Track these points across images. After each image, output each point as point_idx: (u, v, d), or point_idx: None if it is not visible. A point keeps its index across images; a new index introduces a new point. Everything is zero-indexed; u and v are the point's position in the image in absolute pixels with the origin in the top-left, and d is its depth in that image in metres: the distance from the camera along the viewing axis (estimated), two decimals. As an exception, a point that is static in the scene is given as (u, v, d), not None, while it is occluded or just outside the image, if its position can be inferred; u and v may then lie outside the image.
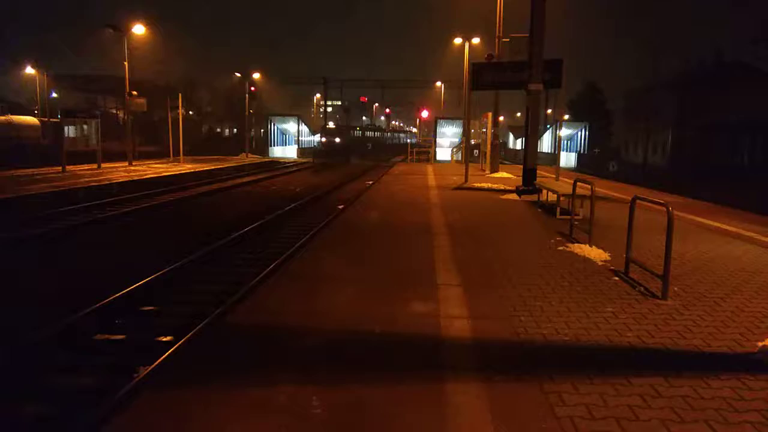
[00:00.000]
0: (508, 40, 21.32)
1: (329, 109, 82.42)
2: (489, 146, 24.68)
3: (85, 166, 23.72)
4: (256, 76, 51.79)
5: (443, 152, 39.11)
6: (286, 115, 58.23)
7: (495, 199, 14.23)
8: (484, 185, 17.57)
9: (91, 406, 4.27)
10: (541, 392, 3.44)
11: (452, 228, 9.48)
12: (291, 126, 55.46)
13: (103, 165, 24.33)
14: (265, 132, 54.27)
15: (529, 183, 14.34)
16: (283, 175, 30.19)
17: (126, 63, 28.10)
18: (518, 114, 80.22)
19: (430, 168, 28.08)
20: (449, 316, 4.78)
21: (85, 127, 24.64)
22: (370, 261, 7.02)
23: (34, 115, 51.97)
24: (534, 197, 13.55)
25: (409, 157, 40.71)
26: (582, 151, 51.44)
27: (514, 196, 14.40)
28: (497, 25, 22.94)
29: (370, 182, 23.01)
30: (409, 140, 76.47)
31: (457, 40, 35.81)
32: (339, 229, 10.00)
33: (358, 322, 4.68)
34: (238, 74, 53.39)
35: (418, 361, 3.94)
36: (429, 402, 3.31)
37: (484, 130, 27.88)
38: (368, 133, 69.58)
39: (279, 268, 8.28)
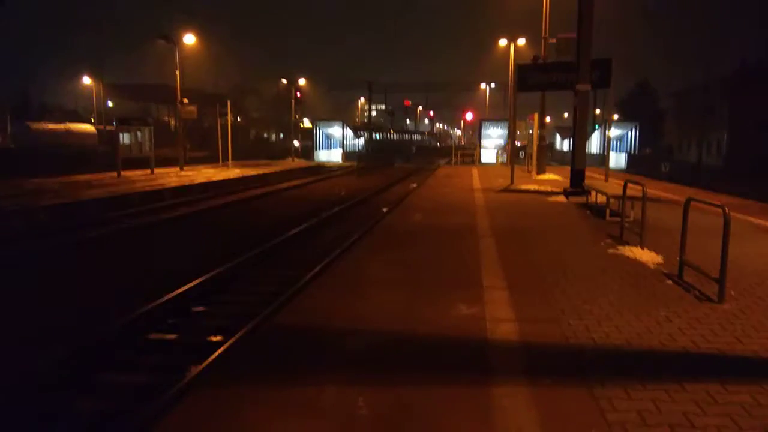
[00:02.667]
0: (554, 40, 21.08)
1: (374, 113, 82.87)
2: (535, 147, 24.29)
3: (139, 172, 24.52)
4: (302, 81, 52.63)
5: (488, 154, 38.74)
6: (330, 119, 58.88)
7: (542, 201, 14.01)
8: (531, 187, 17.32)
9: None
10: (591, 397, 3.37)
11: (498, 230, 9.38)
12: (336, 130, 56.01)
13: (155, 170, 25.11)
14: (311, 136, 55.03)
15: (577, 184, 14.06)
16: (329, 178, 30.50)
17: (177, 72, 28.93)
18: (565, 114, 78.84)
19: (474, 170, 27.86)
20: (495, 319, 4.74)
21: (138, 134, 25.49)
22: (414, 263, 7.01)
23: (90, 123, 54.21)
24: (582, 199, 13.27)
25: (454, 160, 40.49)
26: (632, 152, 50.08)
27: (561, 198, 14.14)
28: (543, 25, 22.63)
29: (415, 185, 23.01)
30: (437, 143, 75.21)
31: (502, 42, 35.51)
32: (384, 231, 10.03)
33: (404, 324, 4.69)
34: (284, 80, 54.33)
35: (464, 363, 3.92)
36: (476, 405, 3.29)
37: (530, 131, 27.49)
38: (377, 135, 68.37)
39: (325, 270, 8.38)
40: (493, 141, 40.48)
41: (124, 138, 24.88)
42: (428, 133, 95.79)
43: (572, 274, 6.29)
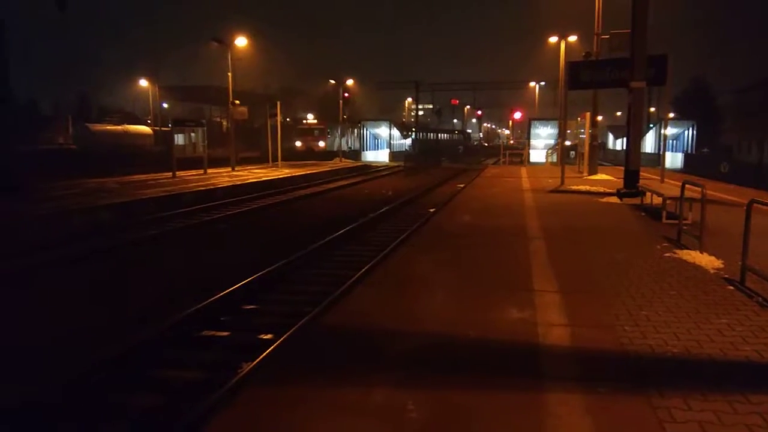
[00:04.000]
0: (607, 36, 20.55)
1: (420, 113, 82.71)
2: (587, 147, 23.76)
3: (192, 172, 25.20)
4: (350, 82, 52.94)
5: (537, 154, 38.15)
6: (377, 119, 59.14)
7: (594, 202, 13.69)
8: (582, 188, 16.94)
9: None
10: (649, 407, 3.27)
11: (548, 232, 9.21)
12: (383, 130, 56.21)
13: (208, 170, 25.75)
14: (358, 136, 55.32)
15: (631, 185, 13.67)
16: (376, 179, 30.61)
17: (230, 74, 29.60)
18: (618, 113, 76.67)
19: (523, 170, 27.45)
20: (547, 323, 4.65)
21: (192, 135, 26.27)
22: (463, 264, 6.96)
23: (147, 125, 56.11)
24: (637, 200, 12.90)
25: (502, 160, 40.01)
26: (689, 151, 48.34)
27: (614, 200, 13.77)
28: (596, 21, 22.09)
29: (462, 185, 22.83)
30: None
31: (553, 39, 34.87)
32: (432, 231, 10.00)
33: (453, 326, 4.66)
34: (332, 81, 54.83)
35: (515, 368, 3.86)
36: (528, 411, 3.24)
37: (582, 130, 26.92)
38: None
39: (372, 270, 8.40)
40: (542, 140, 39.87)
41: (179, 139, 25.63)
42: (458, 131, 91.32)
43: (627, 279, 6.11)
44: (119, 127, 48.47)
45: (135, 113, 66.53)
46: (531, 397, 3.39)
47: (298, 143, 39.45)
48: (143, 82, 62.14)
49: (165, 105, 63.69)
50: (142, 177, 22.63)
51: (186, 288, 8.00)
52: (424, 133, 67.63)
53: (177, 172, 23.26)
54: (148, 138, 50.60)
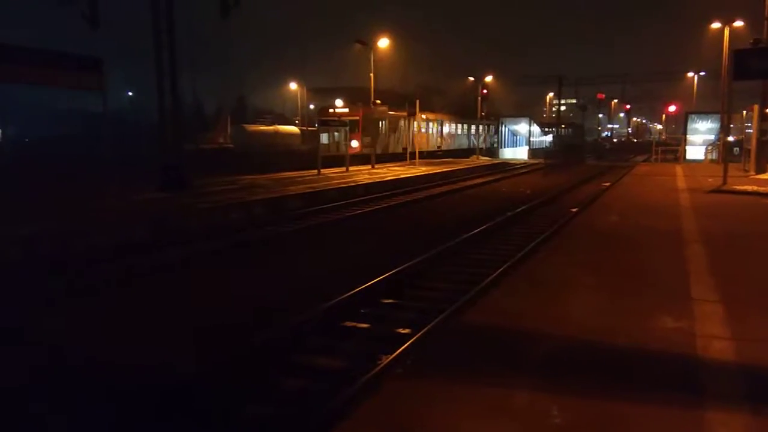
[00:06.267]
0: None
1: (563, 108, 79.39)
2: (754, 143, 21.45)
3: (335, 169, 26.33)
4: (489, 78, 52.29)
5: (695, 151, 35.13)
6: (517, 116, 57.76)
7: (762, 204, 12.34)
8: (748, 188, 15.30)
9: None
10: (832, 436, 2.90)
11: (708, 236, 8.45)
12: (522, 127, 54.82)
13: (349, 168, 26.79)
14: (496, 133, 54.48)
15: (809, 186, 12.13)
16: (513, 176, 29.96)
17: (371, 75, 30.50)
18: (793, 104, 68.12)
19: (678, 168, 25.38)
20: (707, 335, 4.28)
21: (336, 134, 27.41)
22: (609, 268, 6.61)
23: (295, 125, 59.70)
24: (816, 203, 11.43)
25: (653, 157, 37.34)
26: None
27: (787, 202, 12.32)
28: (765, 4, 19.84)
29: (608, 184, 21.64)
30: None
31: (715, 25, 31.86)
32: (573, 232, 9.60)
33: (599, 332, 4.45)
34: (471, 78, 54.49)
35: (669, 380, 3.60)
36: (685, 428, 3.01)
37: (748, 124, 24.34)
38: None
39: (510, 270, 8.26)
40: (701, 136, 36.67)
41: (323, 138, 26.86)
42: (565, 126, 78.08)
43: (804, 291, 5.44)
44: (271, 128, 52.16)
45: (285, 114, 70.95)
46: (688, 414, 3.15)
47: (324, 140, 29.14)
48: (293, 85, 66.14)
49: (312, 106, 67.23)
50: (290, 174, 24.04)
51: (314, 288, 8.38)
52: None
53: (321, 170, 24.45)
54: (296, 137, 53.94)
